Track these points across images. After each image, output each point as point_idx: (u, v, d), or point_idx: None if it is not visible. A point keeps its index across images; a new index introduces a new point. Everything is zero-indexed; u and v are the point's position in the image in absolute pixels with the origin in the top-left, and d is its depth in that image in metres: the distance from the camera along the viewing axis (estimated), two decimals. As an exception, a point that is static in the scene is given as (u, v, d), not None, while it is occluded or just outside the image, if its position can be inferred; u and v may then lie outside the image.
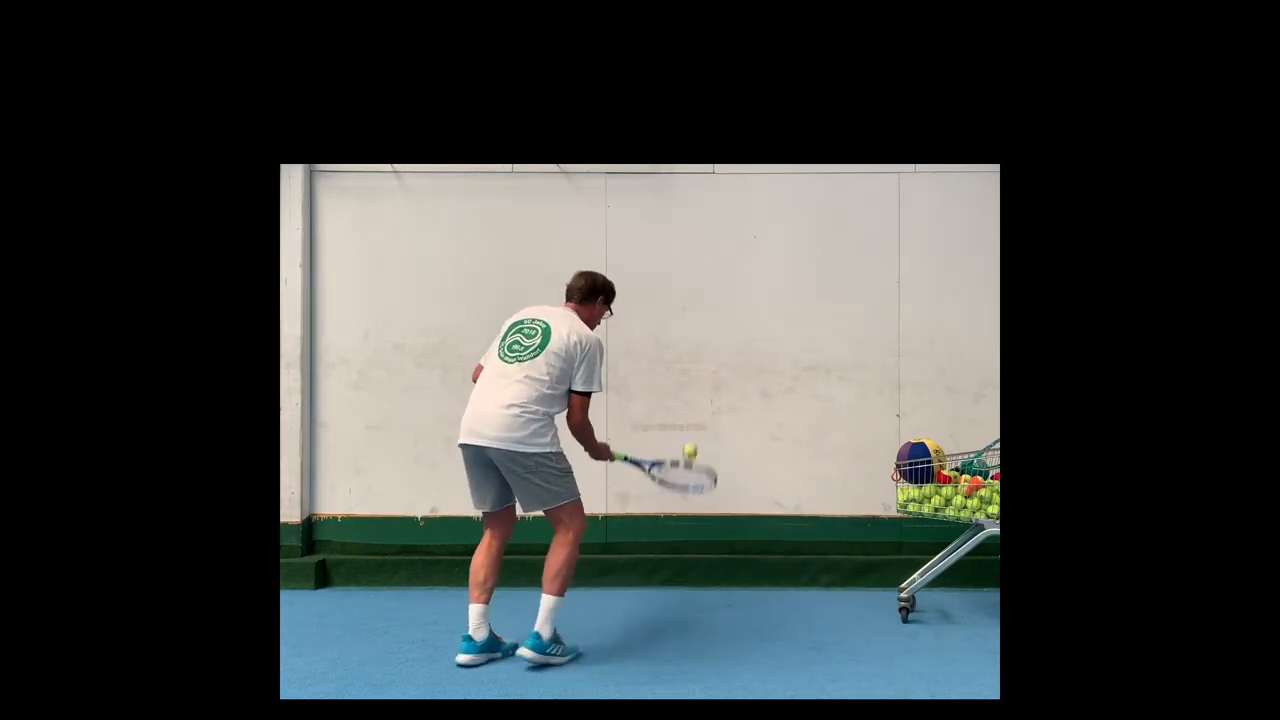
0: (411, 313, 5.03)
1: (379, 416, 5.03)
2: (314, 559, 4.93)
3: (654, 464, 4.01)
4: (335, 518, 5.05)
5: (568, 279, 3.85)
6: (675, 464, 4.02)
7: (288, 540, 4.89)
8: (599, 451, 3.81)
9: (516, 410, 3.48)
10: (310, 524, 5.04)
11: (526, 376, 3.52)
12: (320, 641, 3.93)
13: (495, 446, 3.48)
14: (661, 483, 4.03)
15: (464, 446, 3.58)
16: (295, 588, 4.77)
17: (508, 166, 4.99)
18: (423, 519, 5.01)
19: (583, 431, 3.67)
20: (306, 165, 4.98)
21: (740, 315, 4.98)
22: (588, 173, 5.00)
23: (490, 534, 3.70)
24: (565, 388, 3.59)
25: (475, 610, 3.60)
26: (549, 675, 3.48)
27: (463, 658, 3.57)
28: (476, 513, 3.72)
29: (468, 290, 5.00)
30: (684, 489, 4.03)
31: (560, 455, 3.58)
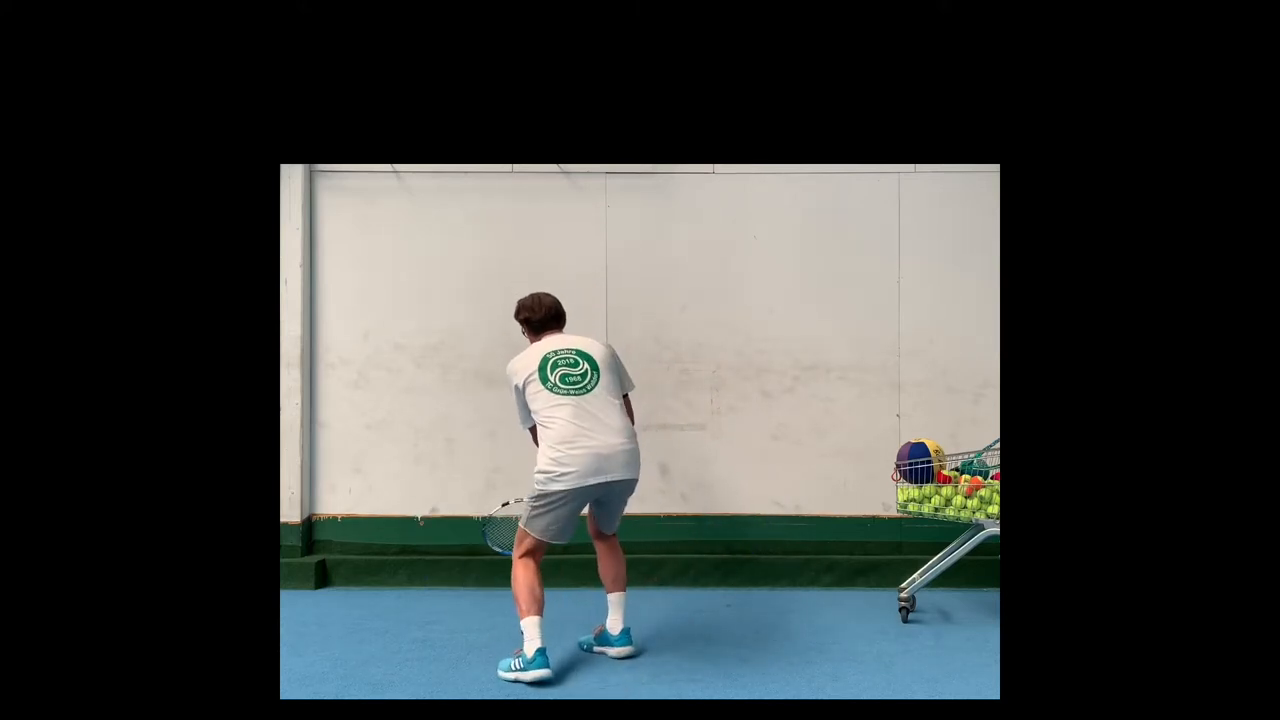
0: (411, 313, 5.03)
1: (379, 416, 5.03)
2: (314, 559, 4.93)
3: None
4: (335, 518, 5.05)
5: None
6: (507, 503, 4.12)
7: (288, 540, 4.88)
8: None
9: (627, 439, 3.59)
10: (310, 524, 5.04)
11: (609, 403, 3.60)
12: (320, 641, 3.93)
13: (627, 478, 3.58)
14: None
15: (589, 488, 3.49)
16: (295, 588, 4.76)
17: (508, 166, 4.98)
18: (423, 519, 5.01)
19: None
20: (306, 165, 4.98)
21: (740, 315, 4.98)
22: (588, 173, 4.99)
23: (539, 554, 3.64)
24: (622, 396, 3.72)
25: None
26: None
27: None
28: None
29: (468, 290, 5.00)
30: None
31: None
